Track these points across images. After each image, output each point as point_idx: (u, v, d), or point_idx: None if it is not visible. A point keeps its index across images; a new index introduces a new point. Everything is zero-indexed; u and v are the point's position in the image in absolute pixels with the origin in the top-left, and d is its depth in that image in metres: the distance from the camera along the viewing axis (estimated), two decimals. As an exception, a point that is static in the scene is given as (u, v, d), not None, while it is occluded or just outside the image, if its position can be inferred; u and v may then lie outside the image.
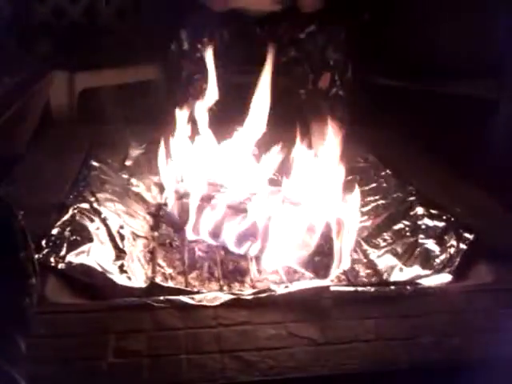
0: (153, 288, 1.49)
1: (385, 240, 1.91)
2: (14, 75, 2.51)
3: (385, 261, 1.82)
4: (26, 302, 1.03)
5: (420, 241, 1.80)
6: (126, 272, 1.62)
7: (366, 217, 2.05)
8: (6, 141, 2.21)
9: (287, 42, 2.81)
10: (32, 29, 3.06)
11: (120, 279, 1.55)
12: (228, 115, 2.28)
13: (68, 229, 1.67)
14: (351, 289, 1.50)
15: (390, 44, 2.98)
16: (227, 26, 2.78)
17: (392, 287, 1.54)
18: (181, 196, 1.96)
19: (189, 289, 1.57)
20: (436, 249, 1.75)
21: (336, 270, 1.70)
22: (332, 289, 1.48)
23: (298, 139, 1.92)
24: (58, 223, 1.69)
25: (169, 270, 1.77)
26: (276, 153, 2.03)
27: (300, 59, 2.81)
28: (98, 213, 1.81)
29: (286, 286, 1.49)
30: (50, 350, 1.25)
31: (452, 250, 1.70)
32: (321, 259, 1.78)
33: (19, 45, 2.91)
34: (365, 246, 1.92)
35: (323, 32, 2.82)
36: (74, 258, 1.55)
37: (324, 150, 1.87)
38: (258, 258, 1.77)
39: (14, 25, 2.91)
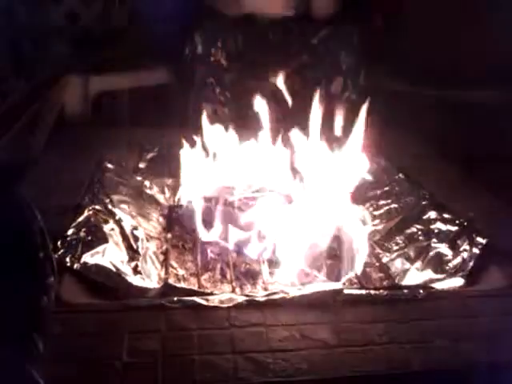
0: (166, 289, 1.51)
1: (397, 244, 1.91)
2: (29, 79, 2.54)
3: (397, 264, 1.82)
4: (45, 301, 1.05)
5: (433, 245, 1.80)
6: (139, 273, 1.64)
7: (378, 220, 2.06)
8: (21, 143, 2.23)
9: (300, 46, 2.82)
10: (46, 32, 3.09)
11: (134, 280, 1.56)
12: (242, 119, 2.29)
13: (83, 230, 1.69)
14: (364, 292, 1.51)
15: (402, 48, 2.97)
16: (240, 30, 2.80)
17: (405, 291, 1.54)
18: (194, 198, 1.97)
19: (202, 290, 1.58)
20: (449, 253, 1.75)
21: (348, 274, 1.70)
22: (345, 292, 1.49)
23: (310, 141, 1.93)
24: (74, 224, 1.71)
25: (181, 272, 1.78)
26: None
27: (312, 64, 2.82)
28: (112, 214, 1.83)
29: (299, 289, 1.50)
30: (65, 349, 1.26)
31: (465, 255, 1.70)
32: (333, 262, 1.79)
33: (34, 48, 2.94)
34: (377, 250, 1.92)
35: (336, 37, 2.83)
36: (89, 258, 1.57)
37: (337, 153, 1.89)
38: (269, 261, 1.78)
39: (28, 28, 2.94)
